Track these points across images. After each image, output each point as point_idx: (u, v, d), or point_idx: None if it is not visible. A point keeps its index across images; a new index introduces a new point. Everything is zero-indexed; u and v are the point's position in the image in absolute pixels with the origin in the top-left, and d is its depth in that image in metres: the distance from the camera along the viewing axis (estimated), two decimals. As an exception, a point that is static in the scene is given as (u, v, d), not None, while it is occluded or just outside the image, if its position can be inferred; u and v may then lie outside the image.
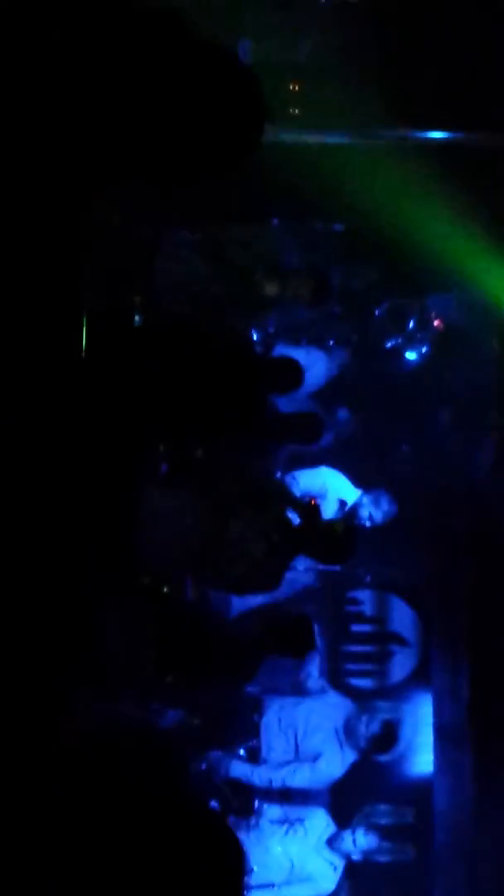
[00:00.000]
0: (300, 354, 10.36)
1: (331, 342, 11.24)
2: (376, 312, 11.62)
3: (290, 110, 10.26)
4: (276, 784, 9.25)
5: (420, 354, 11.78)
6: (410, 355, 11.76)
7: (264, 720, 9.36)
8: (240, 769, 9.16)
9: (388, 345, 11.73)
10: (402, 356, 11.78)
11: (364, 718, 9.38)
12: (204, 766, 9.05)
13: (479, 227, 10.62)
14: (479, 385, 11.92)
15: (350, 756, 9.37)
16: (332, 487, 10.36)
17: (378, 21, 9.92)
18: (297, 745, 9.33)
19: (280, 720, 9.39)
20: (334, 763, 9.32)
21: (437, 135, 10.59)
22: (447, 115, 10.44)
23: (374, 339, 11.67)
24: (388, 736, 9.48)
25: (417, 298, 11.69)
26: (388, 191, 10.21)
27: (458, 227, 10.56)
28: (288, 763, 9.28)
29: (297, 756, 9.31)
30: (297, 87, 10.23)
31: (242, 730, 9.29)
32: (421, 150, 10.53)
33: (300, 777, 9.25)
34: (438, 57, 9.96)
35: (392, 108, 10.01)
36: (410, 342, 11.72)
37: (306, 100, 10.26)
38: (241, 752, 9.27)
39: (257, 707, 9.41)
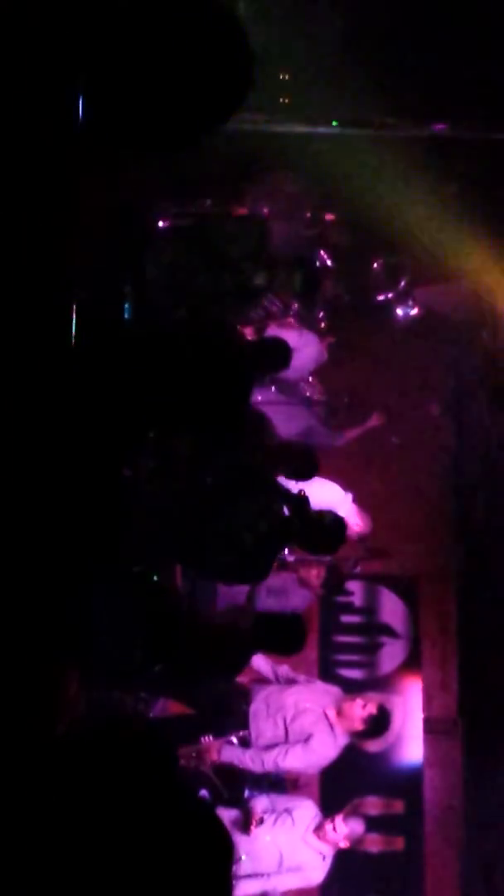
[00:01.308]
0: (292, 336, 10.35)
1: (322, 323, 11.26)
2: (373, 266, 11.66)
3: (281, 100, 10.25)
4: (269, 765, 9.25)
5: (407, 315, 11.82)
6: (399, 312, 11.80)
7: (252, 707, 9.35)
8: (231, 753, 9.16)
9: (379, 300, 11.76)
10: (392, 313, 11.82)
11: (358, 702, 9.40)
12: (194, 753, 9.05)
13: (470, 219, 10.63)
14: (469, 376, 11.94)
15: (342, 740, 9.37)
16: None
17: (371, 10, 9.90)
18: (286, 728, 9.33)
19: (268, 706, 9.39)
20: (327, 744, 9.31)
21: (427, 126, 10.59)
22: (438, 107, 10.44)
23: (368, 296, 11.71)
24: (381, 720, 9.50)
25: (408, 258, 11.73)
26: (378, 181, 10.21)
27: (449, 219, 10.57)
28: (278, 745, 9.28)
29: (287, 738, 9.31)
30: (287, 76, 10.22)
31: (231, 717, 9.28)
32: (410, 140, 10.53)
33: (293, 757, 9.24)
34: (431, 48, 9.94)
35: (382, 98, 10.01)
36: (400, 300, 11.76)
37: (297, 89, 10.25)
38: (233, 738, 9.26)
39: (245, 695, 9.41)
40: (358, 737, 9.58)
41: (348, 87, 9.76)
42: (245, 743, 9.30)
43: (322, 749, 9.29)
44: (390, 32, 9.84)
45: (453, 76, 9.94)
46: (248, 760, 9.20)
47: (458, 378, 12.10)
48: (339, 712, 9.34)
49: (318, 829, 9.22)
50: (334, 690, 9.69)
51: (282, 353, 9.50)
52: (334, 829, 9.16)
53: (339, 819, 9.23)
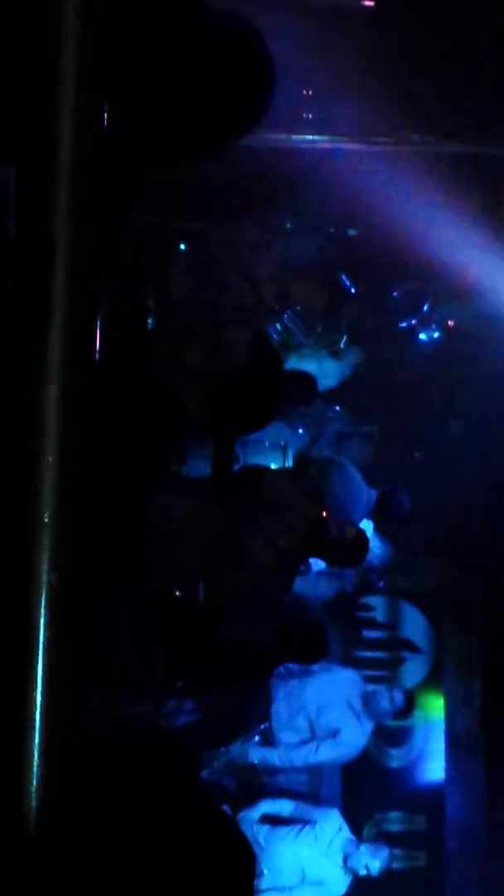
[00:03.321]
0: (311, 365, 10.37)
1: (342, 344, 11.23)
2: (393, 293, 11.61)
3: (304, 115, 10.26)
4: (299, 762, 9.30)
5: (431, 339, 11.77)
6: (423, 337, 11.75)
7: (273, 708, 9.37)
8: (258, 753, 9.21)
9: (403, 325, 11.72)
10: (416, 339, 11.77)
11: (383, 695, 9.46)
12: (217, 761, 9.08)
13: (490, 234, 10.62)
14: (490, 393, 11.91)
15: (368, 726, 9.43)
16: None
17: (393, 28, 9.91)
18: (311, 725, 9.37)
19: (289, 706, 9.41)
20: (356, 734, 9.37)
21: (450, 142, 10.59)
22: (460, 123, 10.44)
23: (389, 320, 11.68)
24: (407, 703, 9.57)
25: (432, 284, 11.69)
26: (401, 197, 10.21)
27: (471, 234, 10.56)
28: (306, 742, 9.33)
29: (315, 735, 9.36)
30: (310, 92, 10.22)
31: (253, 720, 9.30)
32: (433, 157, 10.52)
33: (324, 752, 9.31)
34: (452, 65, 9.95)
35: (406, 113, 10.01)
36: (424, 325, 11.71)
37: (320, 104, 10.25)
38: (256, 738, 9.30)
39: (265, 696, 9.42)
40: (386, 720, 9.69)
41: (372, 102, 9.77)
42: (267, 740, 9.34)
43: (352, 741, 9.39)
44: (414, 47, 9.86)
45: (478, 91, 9.94)
46: (277, 760, 9.26)
47: (481, 394, 12.07)
48: (367, 703, 9.40)
49: (346, 859, 9.23)
50: (353, 676, 9.74)
51: (307, 386, 9.52)
52: (367, 867, 9.19)
53: (369, 854, 9.25)
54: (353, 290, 11.16)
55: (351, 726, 9.39)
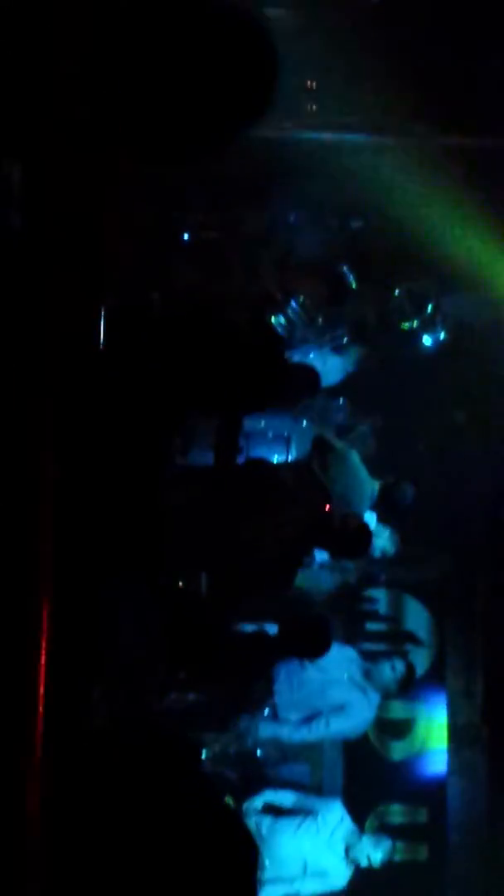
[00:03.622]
0: (315, 359, 10.36)
1: (345, 339, 11.18)
2: (395, 292, 11.54)
3: (308, 107, 10.24)
4: (312, 736, 9.36)
5: (436, 340, 11.71)
6: (427, 340, 11.69)
7: (275, 687, 9.40)
8: (268, 729, 9.26)
9: (406, 326, 11.65)
10: (419, 340, 11.71)
11: (384, 665, 9.51)
12: (222, 741, 9.12)
13: (494, 227, 10.61)
14: (493, 385, 11.89)
15: (374, 698, 9.49)
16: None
17: (397, 20, 9.90)
18: (316, 702, 9.43)
19: (291, 684, 9.45)
20: (363, 707, 9.43)
21: (455, 135, 10.57)
22: (464, 116, 10.42)
23: (391, 321, 11.60)
24: (408, 673, 9.62)
25: (436, 284, 11.63)
26: (405, 190, 10.19)
27: (474, 227, 10.55)
28: (314, 718, 9.38)
29: (322, 712, 9.42)
30: (313, 85, 10.21)
31: (254, 701, 9.34)
32: (436, 149, 10.51)
33: (335, 725, 9.38)
34: (457, 58, 9.94)
35: (408, 106, 9.99)
36: (427, 326, 11.65)
37: (323, 96, 10.24)
38: (266, 712, 9.35)
39: (266, 678, 9.43)
40: (391, 695, 9.73)
41: (375, 94, 9.76)
42: (276, 716, 9.39)
43: (360, 713, 9.44)
44: (419, 40, 9.84)
45: (483, 85, 9.92)
46: (286, 735, 9.31)
47: (484, 386, 12.05)
48: (369, 676, 9.45)
49: (349, 850, 9.25)
50: (351, 653, 9.78)
51: (311, 379, 9.51)
52: (369, 857, 9.21)
53: (371, 845, 9.27)
54: (353, 286, 11.12)
55: (357, 699, 9.46)
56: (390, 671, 9.62)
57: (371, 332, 11.40)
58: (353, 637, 11.29)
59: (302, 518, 7.72)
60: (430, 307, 11.55)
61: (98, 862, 2.89)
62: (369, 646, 11.52)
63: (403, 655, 10.38)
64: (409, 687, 10.03)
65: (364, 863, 9.28)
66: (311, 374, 9.49)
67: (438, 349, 11.71)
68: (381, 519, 10.28)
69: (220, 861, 2.97)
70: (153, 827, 2.93)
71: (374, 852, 9.27)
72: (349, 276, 11.02)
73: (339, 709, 9.48)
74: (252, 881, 3.05)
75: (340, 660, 9.61)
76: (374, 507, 10.04)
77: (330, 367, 10.75)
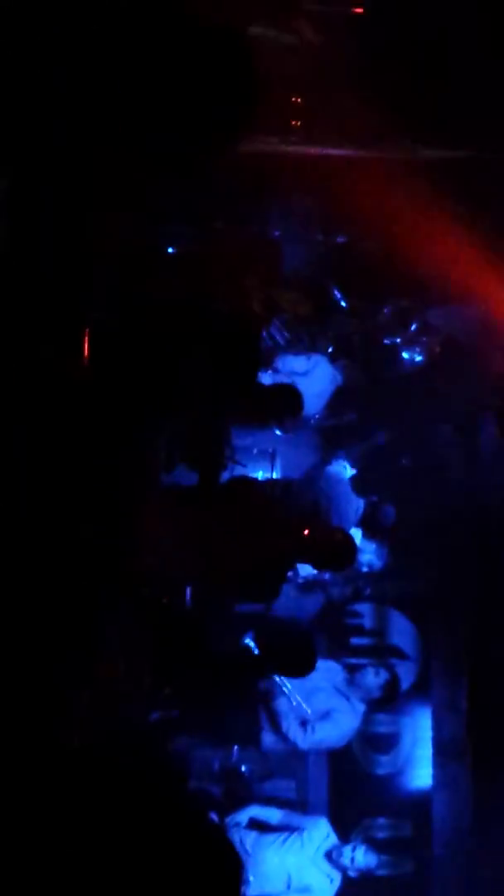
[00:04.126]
0: (300, 361, 10.37)
1: (330, 349, 11.20)
2: (384, 309, 11.58)
3: (293, 122, 10.27)
4: (302, 743, 9.37)
5: (415, 360, 11.75)
6: (405, 356, 11.73)
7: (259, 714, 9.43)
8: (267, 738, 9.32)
9: (387, 342, 11.68)
10: (400, 357, 11.74)
11: (369, 671, 9.51)
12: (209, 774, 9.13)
13: (480, 241, 10.63)
14: (480, 399, 11.92)
15: (359, 707, 9.49)
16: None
17: (382, 34, 9.93)
18: (301, 706, 9.45)
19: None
20: (348, 715, 9.44)
21: (437, 149, 10.61)
22: (448, 130, 10.45)
23: (376, 339, 11.62)
24: (392, 681, 9.62)
25: (421, 303, 11.66)
26: (390, 205, 10.21)
27: (460, 242, 10.57)
28: (303, 725, 9.39)
29: (307, 719, 9.44)
30: (299, 100, 10.23)
31: (241, 733, 9.35)
32: (421, 163, 10.54)
33: (320, 732, 9.39)
34: (441, 71, 9.97)
35: (393, 121, 10.02)
36: (409, 344, 11.68)
37: (308, 112, 10.26)
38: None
39: (252, 706, 9.46)
40: (375, 705, 9.70)
41: (359, 109, 9.78)
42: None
43: (345, 721, 9.43)
44: (401, 55, 9.87)
45: (468, 98, 9.95)
46: (270, 742, 9.34)
47: (472, 399, 12.07)
48: (352, 682, 9.46)
49: (333, 853, 9.24)
50: (333, 664, 9.80)
51: (292, 399, 9.52)
52: (353, 860, 9.20)
53: (359, 849, 9.27)
54: (342, 303, 11.15)
55: (342, 707, 9.48)
56: (374, 677, 9.64)
57: (356, 348, 11.43)
58: (337, 651, 11.30)
59: (286, 534, 7.72)
60: (414, 325, 11.60)
61: (80, 874, 2.89)
62: (354, 660, 11.53)
63: (387, 665, 10.38)
64: (394, 696, 10.02)
65: (346, 863, 9.25)
66: (292, 395, 9.51)
67: (424, 364, 11.74)
68: (367, 535, 10.31)
69: (205, 876, 2.97)
70: (137, 841, 2.93)
71: (356, 853, 9.26)
72: (336, 293, 11.05)
73: (325, 715, 9.50)
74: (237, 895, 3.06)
75: (324, 670, 9.63)
76: (359, 524, 10.08)
77: (320, 373, 10.72)
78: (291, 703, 9.44)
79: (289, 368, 10.40)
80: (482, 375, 11.83)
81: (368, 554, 10.42)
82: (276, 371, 10.24)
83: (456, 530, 11.91)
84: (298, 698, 9.41)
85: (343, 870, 9.26)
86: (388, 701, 10.07)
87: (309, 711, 9.48)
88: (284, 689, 9.38)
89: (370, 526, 10.29)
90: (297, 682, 9.44)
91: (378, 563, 10.53)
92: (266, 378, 9.82)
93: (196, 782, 9.01)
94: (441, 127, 10.40)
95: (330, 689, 9.54)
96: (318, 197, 10.46)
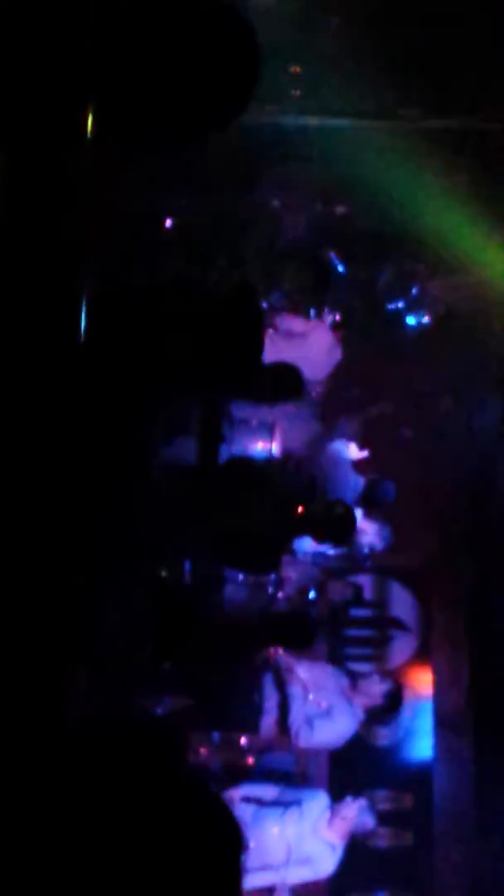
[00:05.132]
0: (299, 322, 10.30)
1: (331, 318, 11.13)
2: (381, 275, 11.53)
3: (292, 92, 10.23)
4: (299, 741, 9.36)
5: (420, 322, 11.70)
6: (411, 320, 11.68)
7: (264, 692, 9.40)
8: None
9: (390, 308, 11.63)
10: (403, 322, 11.69)
11: (374, 678, 9.51)
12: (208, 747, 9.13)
13: (480, 210, 10.60)
14: (480, 369, 11.90)
15: (359, 713, 9.46)
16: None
17: (381, 3, 9.89)
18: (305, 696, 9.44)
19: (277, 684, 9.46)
20: (347, 716, 9.41)
21: (437, 118, 10.57)
22: (448, 100, 10.42)
23: (377, 303, 11.57)
24: (395, 698, 9.59)
25: (423, 266, 11.62)
26: (390, 174, 10.18)
27: (460, 211, 10.54)
28: (308, 723, 9.38)
29: (308, 714, 9.43)
30: (298, 69, 10.20)
31: (243, 708, 9.32)
32: (421, 133, 10.51)
33: (319, 728, 9.35)
34: (441, 41, 9.92)
35: (393, 89, 10.00)
36: (413, 308, 11.64)
37: (307, 81, 10.23)
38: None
39: (255, 682, 9.43)
40: (375, 714, 9.66)
41: (359, 79, 9.75)
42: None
43: (343, 721, 9.39)
44: (401, 23, 9.83)
45: (467, 67, 9.92)
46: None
47: (471, 370, 12.05)
48: (356, 688, 9.42)
49: (331, 819, 9.25)
50: (337, 670, 9.79)
51: (294, 380, 9.47)
52: (344, 817, 9.19)
53: (358, 804, 9.27)
54: (340, 270, 11.10)
55: (343, 709, 9.42)
56: (378, 684, 9.59)
57: (358, 315, 11.37)
58: (339, 657, 11.33)
59: (285, 507, 7.71)
60: (415, 289, 11.56)
61: (77, 848, 2.88)
62: (357, 666, 11.55)
63: (392, 676, 10.33)
64: (396, 706, 9.95)
65: (347, 821, 9.25)
66: (293, 376, 9.47)
67: (423, 332, 11.71)
68: (368, 514, 10.29)
69: (206, 848, 2.96)
70: (137, 813, 2.93)
71: (356, 812, 9.26)
72: (336, 262, 11.01)
73: (326, 713, 9.46)
74: (238, 868, 3.04)
75: (332, 673, 9.64)
76: (359, 503, 10.05)
77: (314, 336, 10.62)
78: (306, 695, 9.42)
79: (286, 327, 10.30)
80: (481, 345, 11.81)
81: (370, 535, 10.39)
82: (275, 330, 10.15)
83: (455, 499, 11.91)
84: (312, 696, 9.41)
85: (343, 831, 9.25)
86: (390, 711, 10.01)
87: (318, 708, 9.46)
88: (297, 681, 9.36)
89: (370, 503, 10.25)
90: (305, 675, 9.44)
91: (380, 545, 10.49)
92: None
93: (195, 755, 9.02)
94: (441, 96, 10.37)
95: (335, 689, 9.51)
96: (318, 167, 10.42)
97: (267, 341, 9.35)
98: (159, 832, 2.88)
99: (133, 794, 2.96)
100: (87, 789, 2.95)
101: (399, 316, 11.72)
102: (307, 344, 10.10)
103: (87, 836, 2.87)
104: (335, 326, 11.04)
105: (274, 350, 9.46)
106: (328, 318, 10.96)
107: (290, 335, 10.20)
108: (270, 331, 10.11)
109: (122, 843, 2.86)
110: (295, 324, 10.29)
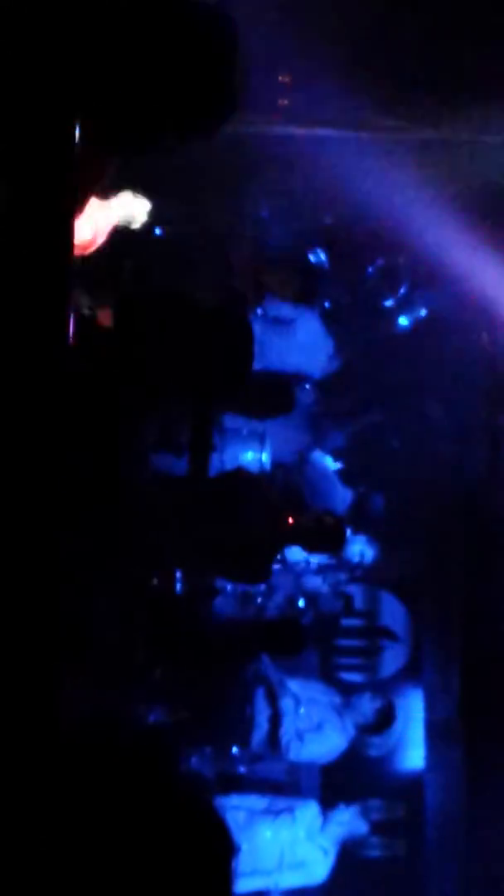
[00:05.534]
0: (286, 308, 10.28)
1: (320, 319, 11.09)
2: (368, 270, 11.52)
3: (280, 102, 10.25)
4: (290, 755, 9.35)
5: (412, 321, 11.69)
6: (403, 321, 11.67)
7: (256, 705, 9.40)
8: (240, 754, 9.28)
9: (379, 307, 11.60)
10: (394, 321, 11.67)
11: (366, 695, 9.50)
12: (200, 756, 9.12)
13: (466, 220, 10.63)
14: (469, 379, 11.91)
15: (350, 729, 9.45)
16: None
17: (369, 13, 9.90)
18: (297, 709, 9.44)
19: (268, 699, 9.45)
20: (338, 733, 9.40)
21: (425, 129, 10.60)
22: (435, 110, 10.44)
23: (366, 300, 11.54)
24: (387, 715, 9.59)
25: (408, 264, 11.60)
26: (377, 184, 10.20)
27: (446, 221, 10.57)
28: (299, 737, 9.38)
29: (299, 729, 9.42)
30: (286, 79, 10.21)
31: (234, 720, 9.32)
32: (409, 143, 10.53)
33: (308, 745, 9.35)
34: (424, 51, 9.95)
35: (382, 99, 10.01)
36: (403, 306, 11.62)
37: (296, 91, 10.25)
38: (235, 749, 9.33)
39: (247, 695, 9.43)
40: (366, 730, 9.65)
41: (348, 88, 9.76)
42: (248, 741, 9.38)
43: (334, 736, 9.39)
44: (390, 33, 9.85)
45: (451, 77, 9.94)
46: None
47: (459, 380, 12.06)
48: (348, 705, 9.42)
49: (323, 824, 9.27)
50: (329, 688, 9.79)
51: (286, 394, 9.48)
52: (337, 822, 9.21)
53: (350, 811, 9.29)
54: (326, 266, 11.09)
55: (334, 723, 9.42)
56: (369, 701, 9.60)
57: (346, 313, 11.36)
58: (330, 668, 11.33)
59: (275, 517, 7.73)
60: (404, 286, 11.55)
61: (69, 853, 2.89)
62: (348, 676, 11.55)
63: (385, 693, 10.33)
64: (387, 724, 9.96)
65: (339, 823, 9.26)
66: (285, 390, 9.50)
67: (411, 338, 11.71)
68: (356, 528, 10.32)
69: (198, 852, 2.97)
70: (128, 818, 2.93)
71: (347, 817, 9.28)
72: (323, 259, 11.01)
73: (317, 727, 9.45)
74: (229, 873, 3.04)
75: (321, 688, 9.64)
76: (347, 516, 10.08)
77: (300, 323, 10.55)
78: (297, 709, 9.42)
79: (274, 314, 10.26)
80: (466, 353, 11.83)
81: (359, 545, 10.41)
82: (263, 316, 10.11)
83: (445, 508, 11.91)
84: (303, 709, 9.41)
85: (334, 837, 9.25)
86: (381, 728, 10.02)
87: (309, 723, 9.46)
88: (289, 695, 9.35)
89: (359, 517, 10.27)
90: (297, 690, 9.45)
91: (369, 557, 10.52)
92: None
93: (186, 763, 9.01)
94: (428, 107, 10.39)
95: (327, 703, 9.51)
96: (305, 177, 10.44)
97: (255, 327, 9.35)
98: (150, 835, 2.89)
99: (124, 799, 2.97)
100: (80, 794, 2.96)
101: (391, 315, 11.72)
102: (296, 330, 10.07)
103: (78, 841, 2.87)
104: (324, 314, 10.98)
105: (262, 337, 9.43)
106: (317, 306, 10.92)
107: (277, 321, 10.16)
108: (259, 313, 10.06)
109: (114, 846, 2.87)
110: (283, 309, 10.26)
